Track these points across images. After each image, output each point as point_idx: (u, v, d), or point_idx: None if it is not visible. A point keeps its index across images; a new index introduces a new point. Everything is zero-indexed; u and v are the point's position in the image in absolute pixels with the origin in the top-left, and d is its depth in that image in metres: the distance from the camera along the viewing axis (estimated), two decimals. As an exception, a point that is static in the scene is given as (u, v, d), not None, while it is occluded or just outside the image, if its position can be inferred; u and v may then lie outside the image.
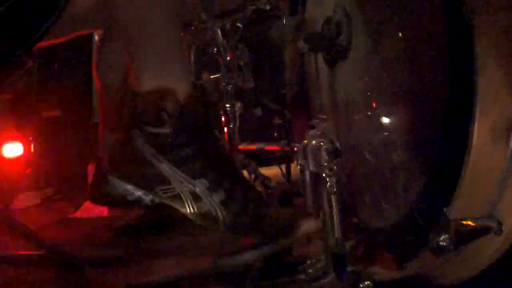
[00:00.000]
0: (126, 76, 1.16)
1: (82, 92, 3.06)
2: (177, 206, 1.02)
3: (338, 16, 1.03)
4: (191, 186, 1.01)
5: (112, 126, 1.49)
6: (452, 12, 0.65)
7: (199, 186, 1.01)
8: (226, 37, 1.57)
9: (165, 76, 1.05)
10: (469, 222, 0.61)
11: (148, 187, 1.02)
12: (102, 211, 2.11)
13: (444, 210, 0.62)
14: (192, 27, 1.72)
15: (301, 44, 1.05)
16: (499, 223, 0.63)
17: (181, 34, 1.18)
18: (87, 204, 2.28)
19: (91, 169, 2.53)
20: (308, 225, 1.08)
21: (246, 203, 1.04)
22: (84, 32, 1.62)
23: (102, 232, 1.70)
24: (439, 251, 0.63)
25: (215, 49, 1.57)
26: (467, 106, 0.60)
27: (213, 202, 1.01)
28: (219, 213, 1.02)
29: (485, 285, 0.80)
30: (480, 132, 0.60)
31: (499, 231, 0.63)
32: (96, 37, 1.61)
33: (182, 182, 1.01)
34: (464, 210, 0.63)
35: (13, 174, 2.66)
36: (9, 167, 2.65)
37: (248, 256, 1.05)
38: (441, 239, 0.62)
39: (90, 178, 2.47)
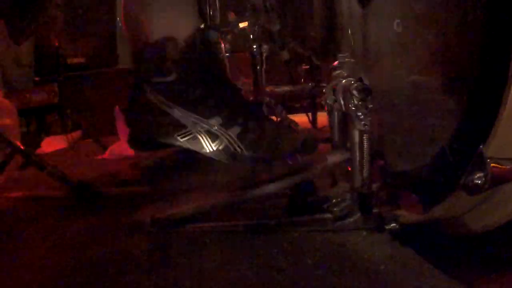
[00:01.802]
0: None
1: (106, 39, 3.07)
2: (195, 147, 1.02)
3: None
4: (206, 126, 1.01)
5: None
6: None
7: (214, 124, 1.00)
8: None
9: (167, 25, 1.03)
10: (506, 162, 0.59)
11: (165, 134, 1.02)
12: (129, 152, 2.15)
13: (481, 147, 0.59)
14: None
15: None
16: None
17: None
18: (114, 146, 2.31)
19: (118, 112, 2.55)
20: (332, 156, 1.07)
21: (263, 133, 1.03)
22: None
23: (128, 171, 1.69)
24: (474, 189, 0.60)
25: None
26: (507, 38, 0.57)
27: (230, 138, 1.01)
28: (237, 147, 1.01)
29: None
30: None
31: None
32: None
33: (196, 123, 1.01)
34: (501, 149, 0.60)
35: (40, 120, 2.73)
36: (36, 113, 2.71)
37: (272, 187, 1.04)
38: (476, 177, 0.59)
39: (117, 121, 2.50)
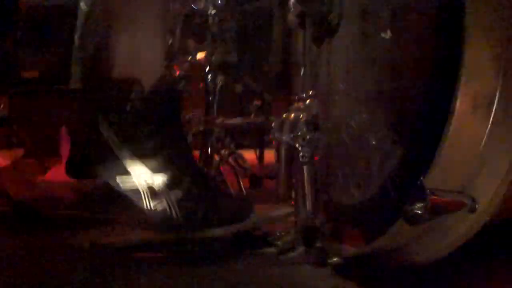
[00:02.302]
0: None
1: (62, 56, 3.01)
2: (134, 198, 1.01)
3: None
4: (150, 181, 1.00)
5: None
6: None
7: (158, 182, 1.00)
8: (214, 9, 1.55)
9: (135, 63, 1.03)
10: (444, 193, 0.61)
11: (108, 174, 1.01)
12: (71, 175, 2.10)
13: (421, 178, 0.62)
14: (181, -3, 1.70)
15: (292, 19, 1.05)
16: (473, 200, 0.63)
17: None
18: (57, 168, 2.25)
19: (63, 134, 2.50)
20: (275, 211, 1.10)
21: (201, 203, 1.04)
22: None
23: (69, 194, 1.67)
24: (415, 219, 0.62)
25: (203, 20, 1.55)
26: (452, 76, 0.60)
27: (170, 201, 1.01)
28: (174, 213, 1.01)
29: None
30: (462, 101, 0.59)
31: (472, 209, 0.63)
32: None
33: (141, 175, 1.00)
34: (440, 181, 0.63)
35: (-17, 134, 2.62)
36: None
37: (216, 232, 1.05)
38: (416, 207, 0.62)
39: (62, 143, 2.44)
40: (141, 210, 1.02)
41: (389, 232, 0.70)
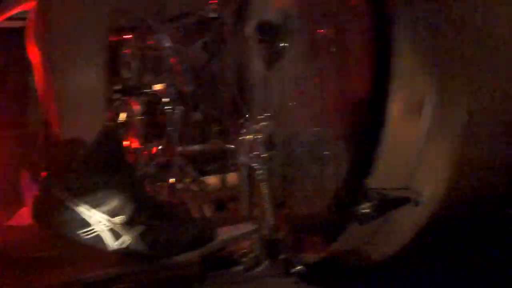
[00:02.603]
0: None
1: (18, 98, 2.98)
2: (98, 244, 1.04)
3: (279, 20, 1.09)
4: (109, 224, 1.04)
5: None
6: (377, 7, 0.72)
7: (118, 223, 1.04)
8: (170, 42, 1.60)
9: (77, 120, 1.07)
10: (389, 191, 0.66)
11: (69, 232, 1.04)
12: (35, 219, 2.06)
13: (365, 180, 0.66)
14: (135, 31, 1.74)
15: (251, 32, 1.10)
16: (417, 194, 0.68)
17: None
18: (21, 212, 2.21)
19: (24, 176, 2.46)
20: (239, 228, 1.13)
21: (163, 232, 1.07)
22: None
23: (36, 237, 1.67)
24: (363, 218, 0.67)
25: (158, 53, 1.59)
26: (385, 86, 0.66)
27: (132, 236, 1.04)
28: (139, 246, 1.05)
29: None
30: (394, 108, 0.65)
31: (417, 202, 0.68)
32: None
33: (100, 221, 1.04)
34: (384, 181, 0.67)
35: None
36: None
37: (183, 258, 1.07)
38: (363, 207, 0.66)
39: (23, 187, 2.40)
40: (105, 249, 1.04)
41: (343, 236, 0.75)
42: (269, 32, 1.09)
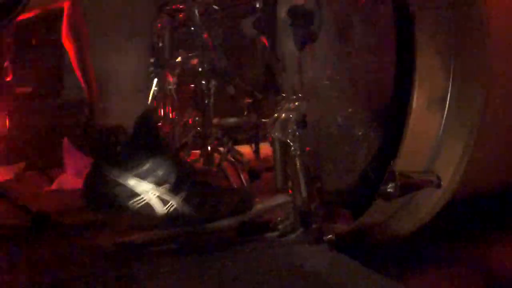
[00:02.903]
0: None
1: (53, 70, 3.07)
2: (147, 212, 1.15)
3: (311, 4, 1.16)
4: (157, 192, 1.15)
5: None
6: (400, 7, 0.79)
7: (164, 191, 1.15)
8: (202, 18, 1.67)
9: (121, 103, 1.16)
10: (412, 174, 0.75)
11: (121, 203, 1.15)
12: (77, 183, 2.17)
13: (391, 163, 0.75)
14: (168, 7, 1.81)
15: (283, 16, 1.17)
16: (438, 178, 0.76)
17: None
18: (61, 177, 2.33)
19: (65, 143, 2.58)
20: (274, 199, 1.23)
21: (204, 197, 1.18)
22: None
23: (78, 201, 1.77)
24: (387, 197, 0.76)
25: (192, 29, 1.66)
26: (409, 80, 0.74)
27: (177, 202, 1.15)
28: (184, 210, 1.16)
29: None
30: (418, 100, 0.73)
31: (438, 185, 0.77)
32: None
33: (148, 191, 1.15)
34: (407, 164, 0.76)
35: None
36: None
37: (222, 224, 1.18)
38: (389, 187, 0.75)
39: (65, 153, 2.52)
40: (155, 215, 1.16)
41: (370, 209, 0.84)
42: (301, 16, 1.15)
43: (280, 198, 1.19)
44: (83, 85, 1.29)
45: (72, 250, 1.20)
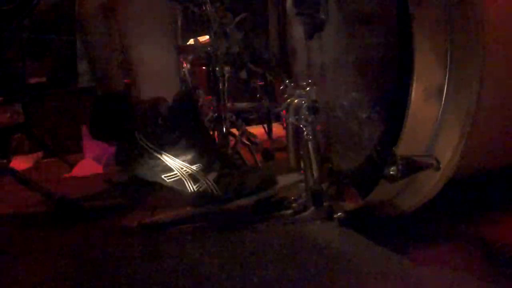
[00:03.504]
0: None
1: (66, 58, 3.11)
2: (179, 187, 1.23)
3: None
4: (189, 170, 1.22)
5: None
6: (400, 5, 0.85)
7: (196, 170, 1.23)
8: (213, 5, 1.71)
9: (158, 83, 1.23)
10: (413, 157, 0.82)
11: (155, 175, 1.22)
12: (96, 169, 2.24)
13: (393, 148, 0.82)
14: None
15: (290, 6, 1.22)
16: (437, 161, 0.83)
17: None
18: (82, 163, 2.40)
19: (85, 131, 2.64)
20: (288, 178, 1.30)
21: (233, 177, 1.26)
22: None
23: (100, 186, 1.78)
24: (391, 178, 0.83)
25: (205, 17, 1.71)
26: (408, 74, 0.80)
27: (208, 181, 1.23)
28: (213, 189, 1.23)
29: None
30: (416, 92, 0.79)
31: (437, 167, 0.83)
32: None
33: (181, 168, 1.22)
34: (408, 149, 0.83)
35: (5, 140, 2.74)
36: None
37: (240, 202, 1.25)
38: (391, 169, 0.82)
39: (84, 139, 2.59)
40: (178, 193, 1.24)
41: (376, 189, 0.91)
42: (306, 6, 1.20)
43: (294, 177, 1.26)
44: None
45: (98, 233, 1.26)
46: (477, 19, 0.73)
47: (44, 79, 3.13)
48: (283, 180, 1.30)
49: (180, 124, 1.22)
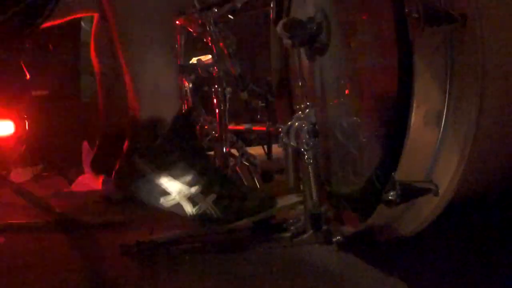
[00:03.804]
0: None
1: (70, 72, 3.13)
2: (178, 211, 1.22)
3: (319, 17, 1.22)
4: (188, 193, 1.21)
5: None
6: (401, 33, 0.87)
7: (194, 192, 1.22)
8: (216, 26, 1.73)
9: (158, 102, 1.23)
10: (412, 183, 0.83)
11: (154, 200, 1.22)
12: (96, 184, 2.24)
13: (393, 174, 0.83)
14: (185, 15, 1.88)
15: (286, 40, 1.24)
16: (436, 186, 0.84)
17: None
18: (81, 178, 2.40)
19: (85, 146, 2.65)
20: (287, 199, 1.30)
21: (233, 198, 1.25)
22: (79, 15, 1.75)
23: (99, 202, 1.80)
24: (389, 204, 0.84)
25: (208, 38, 1.73)
26: (408, 100, 0.81)
27: (207, 204, 1.22)
28: (213, 212, 1.23)
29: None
30: (416, 118, 0.81)
31: (436, 193, 0.84)
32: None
33: (180, 191, 1.21)
34: (407, 174, 0.84)
35: (5, 152, 2.74)
36: (1, 145, 2.72)
37: (239, 224, 1.25)
38: (390, 194, 0.83)
39: (84, 154, 2.59)
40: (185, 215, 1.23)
41: (374, 214, 0.92)
42: (296, 31, 1.20)
43: (293, 198, 1.26)
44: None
45: (95, 250, 1.26)
46: (477, 45, 0.74)
47: (46, 92, 3.14)
48: (282, 201, 1.29)
49: (179, 145, 1.22)
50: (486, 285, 0.89)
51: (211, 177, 1.24)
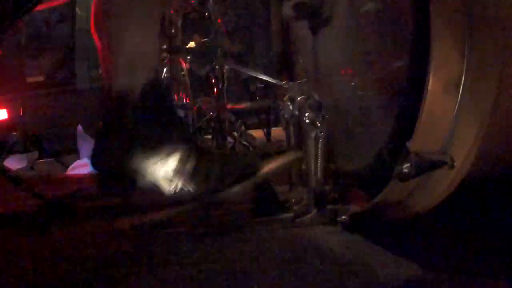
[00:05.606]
0: None
1: (65, 59, 3.09)
2: (156, 189, 1.16)
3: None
4: (164, 171, 1.15)
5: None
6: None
7: (171, 170, 1.15)
8: (216, 4, 1.68)
9: (135, 72, 1.17)
10: (427, 154, 0.76)
11: (128, 178, 1.16)
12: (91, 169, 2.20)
13: (407, 144, 0.77)
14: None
15: (288, 11, 1.18)
16: (452, 159, 0.78)
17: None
18: (76, 164, 2.37)
19: (79, 130, 2.61)
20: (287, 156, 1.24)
21: (211, 168, 1.18)
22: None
23: (93, 187, 1.78)
24: (403, 177, 0.78)
25: (206, 14, 1.67)
26: (425, 65, 0.75)
27: (183, 179, 1.16)
28: (189, 186, 1.16)
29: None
30: (434, 84, 0.74)
31: (451, 166, 0.78)
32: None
33: (155, 169, 1.15)
34: (422, 145, 0.77)
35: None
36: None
37: (235, 190, 1.18)
38: (404, 167, 0.77)
39: (79, 140, 2.55)
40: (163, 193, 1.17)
41: (386, 190, 0.86)
42: (305, 12, 1.15)
43: (292, 155, 1.20)
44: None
45: (89, 234, 1.21)
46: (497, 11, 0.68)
47: (42, 78, 3.11)
48: (272, 162, 1.22)
49: (153, 122, 1.16)
50: (497, 267, 0.85)
51: (185, 151, 1.17)
